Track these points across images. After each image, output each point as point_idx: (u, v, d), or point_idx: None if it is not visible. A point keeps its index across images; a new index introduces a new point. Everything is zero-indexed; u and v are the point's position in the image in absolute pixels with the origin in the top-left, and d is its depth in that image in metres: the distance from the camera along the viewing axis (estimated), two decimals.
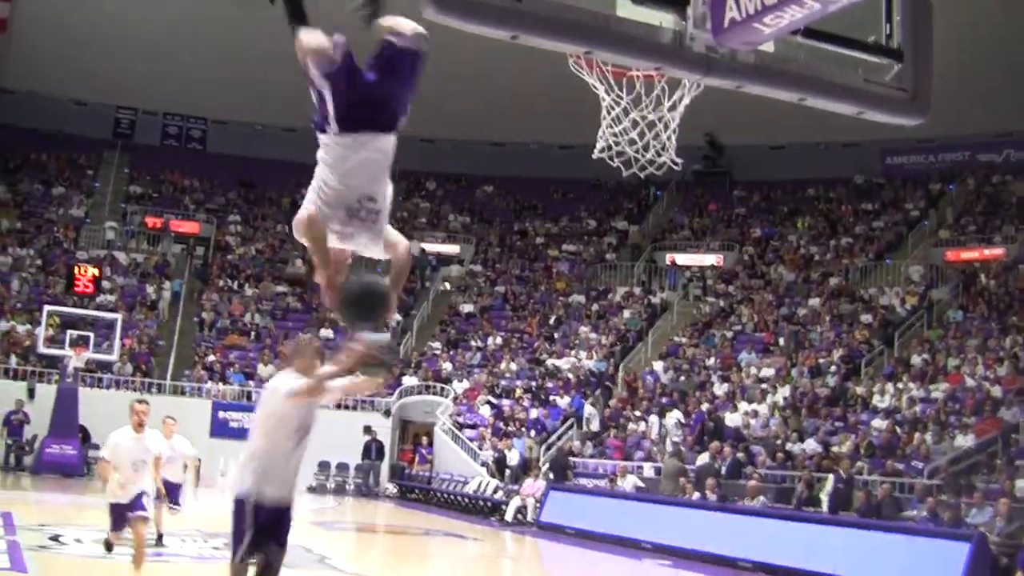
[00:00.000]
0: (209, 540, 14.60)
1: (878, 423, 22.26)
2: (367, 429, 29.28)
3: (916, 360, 25.02)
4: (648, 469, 23.64)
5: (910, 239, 33.48)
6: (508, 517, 22.87)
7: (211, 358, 31.57)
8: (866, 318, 28.85)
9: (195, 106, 41.98)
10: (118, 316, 29.88)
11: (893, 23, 4.65)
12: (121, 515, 9.89)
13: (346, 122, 4.84)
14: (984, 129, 35.40)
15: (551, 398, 29.91)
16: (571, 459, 25.24)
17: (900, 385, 23.80)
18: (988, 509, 15.95)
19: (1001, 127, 34.84)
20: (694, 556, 17.29)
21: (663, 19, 4.35)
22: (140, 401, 10.13)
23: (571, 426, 28.19)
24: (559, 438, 27.79)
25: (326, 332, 30.17)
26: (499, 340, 33.97)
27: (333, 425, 23.13)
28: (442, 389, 31.06)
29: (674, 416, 25.58)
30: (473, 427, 29.03)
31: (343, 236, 5.00)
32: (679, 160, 6.14)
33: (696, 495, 19.78)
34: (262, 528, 6.80)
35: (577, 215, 41.66)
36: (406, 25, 4.83)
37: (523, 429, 28.30)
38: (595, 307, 35.34)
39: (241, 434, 23.73)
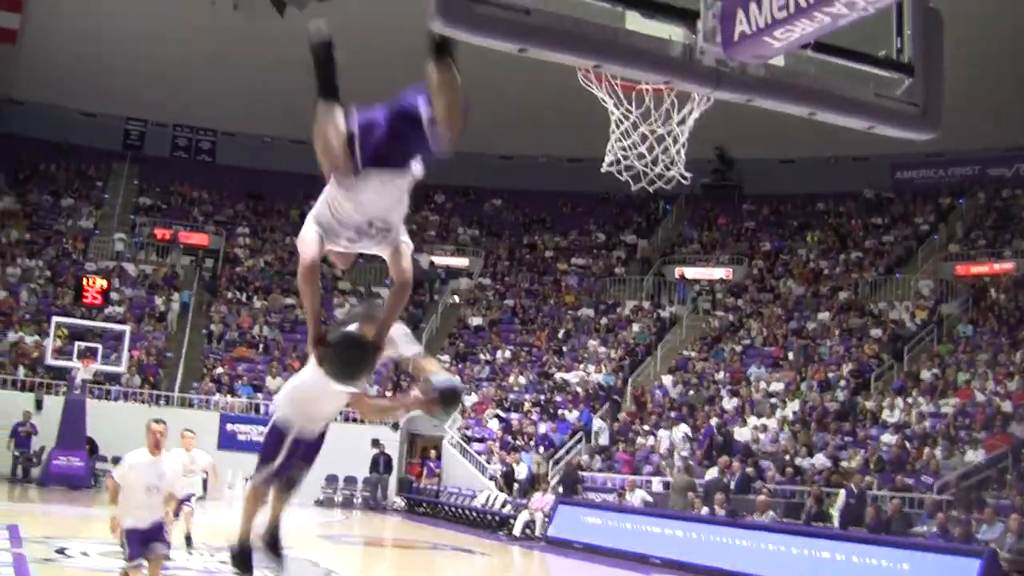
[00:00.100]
0: (216, 554, 14.56)
1: (888, 438, 22.20)
2: (375, 442, 29.20)
3: (926, 375, 24.92)
4: (657, 484, 23.58)
5: (920, 253, 33.39)
6: (516, 531, 22.78)
7: (219, 370, 31.54)
8: (876, 332, 28.77)
9: (204, 118, 42.06)
10: (126, 328, 29.86)
11: (904, 37, 4.63)
12: (138, 543, 8.95)
13: (361, 162, 4.87)
14: (994, 143, 35.30)
15: (560, 412, 29.84)
16: (580, 473, 25.18)
17: (910, 400, 23.71)
18: (999, 525, 15.90)
19: (1011, 141, 34.76)
20: (703, 571, 17.24)
21: (673, 32, 4.33)
22: (157, 421, 9.30)
23: (579, 440, 28.13)
24: (567, 452, 27.73)
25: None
26: (508, 353, 33.93)
27: (341, 438, 22.86)
28: None
29: (683, 430, 25.51)
30: (481, 440, 28.98)
31: (351, 244, 5.07)
32: (688, 174, 6.12)
33: (705, 510, 19.71)
34: (294, 452, 6.62)
35: (586, 228, 41.60)
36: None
37: (531, 443, 28.23)
38: (604, 321, 35.28)
39: (249, 447, 23.75)
